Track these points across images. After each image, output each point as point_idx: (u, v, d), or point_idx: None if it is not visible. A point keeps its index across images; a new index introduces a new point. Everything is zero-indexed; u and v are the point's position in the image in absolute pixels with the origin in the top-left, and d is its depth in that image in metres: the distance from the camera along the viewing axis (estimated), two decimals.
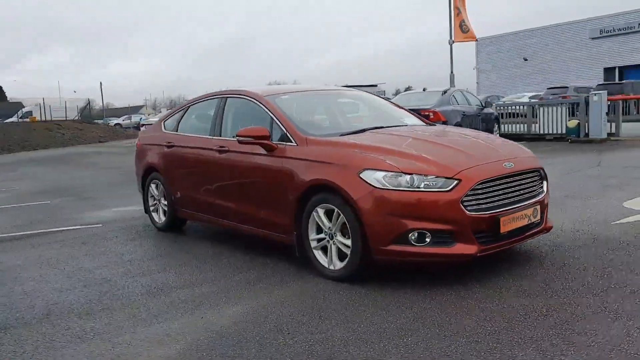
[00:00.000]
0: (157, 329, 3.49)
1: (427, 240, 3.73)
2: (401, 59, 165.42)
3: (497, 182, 3.92)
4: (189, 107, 6.20)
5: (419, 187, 3.75)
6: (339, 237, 4.11)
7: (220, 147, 5.23)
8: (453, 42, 17.57)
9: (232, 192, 5.14)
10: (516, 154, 4.34)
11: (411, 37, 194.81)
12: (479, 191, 3.80)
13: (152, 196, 6.47)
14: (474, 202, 3.77)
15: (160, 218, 6.38)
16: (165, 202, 6.21)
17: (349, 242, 4.02)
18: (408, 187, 3.76)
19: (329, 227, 4.17)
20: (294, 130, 4.60)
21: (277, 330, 3.33)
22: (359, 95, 6.00)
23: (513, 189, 4.03)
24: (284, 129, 4.65)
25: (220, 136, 5.37)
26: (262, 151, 4.74)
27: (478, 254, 3.77)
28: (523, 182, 4.13)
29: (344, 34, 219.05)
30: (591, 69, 46.20)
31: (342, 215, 4.02)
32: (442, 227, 3.71)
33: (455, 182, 3.73)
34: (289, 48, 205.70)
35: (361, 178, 3.89)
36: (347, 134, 4.62)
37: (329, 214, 4.18)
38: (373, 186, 3.83)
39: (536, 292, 3.66)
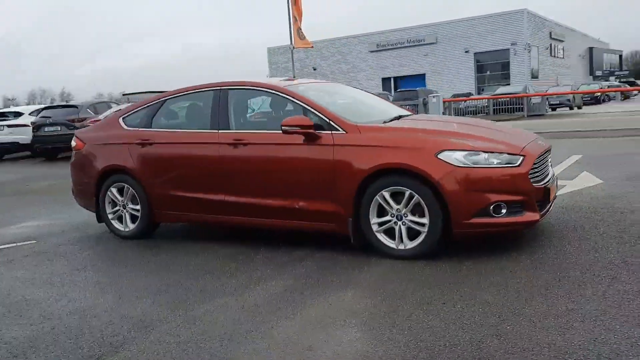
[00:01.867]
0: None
1: (503, 211, 4.18)
2: (211, 63, 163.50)
3: (542, 158, 4.55)
4: (164, 101, 5.72)
5: (493, 164, 4.19)
6: (411, 217, 4.33)
7: (235, 140, 5.01)
8: (294, 47, 18.31)
9: (255, 186, 4.96)
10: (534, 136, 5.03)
11: (223, 41, 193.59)
12: (535, 166, 4.38)
13: (112, 202, 5.82)
14: (532, 175, 4.33)
15: (127, 225, 5.76)
16: (136, 207, 5.64)
17: (423, 220, 4.27)
18: (485, 164, 4.17)
19: (397, 209, 4.37)
20: (339, 118, 4.68)
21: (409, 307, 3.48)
22: (343, 87, 6.18)
23: (547, 163, 4.71)
24: (325, 118, 4.69)
25: (229, 129, 5.13)
26: (296, 141, 4.71)
27: (539, 220, 4.34)
28: (549, 157, 4.84)
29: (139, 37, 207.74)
30: (372, 79, 51.31)
31: (416, 195, 4.26)
32: (515, 198, 4.19)
33: (522, 157, 4.25)
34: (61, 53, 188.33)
35: (439, 159, 4.18)
36: (390, 121, 4.85)
37: (394, 196, 4.37)
38: (454, 165, 4.15)
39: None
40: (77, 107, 17.12)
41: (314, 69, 54.47)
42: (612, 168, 7.86)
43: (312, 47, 21.10)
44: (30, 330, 3.50)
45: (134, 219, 5.74)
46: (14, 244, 5.93)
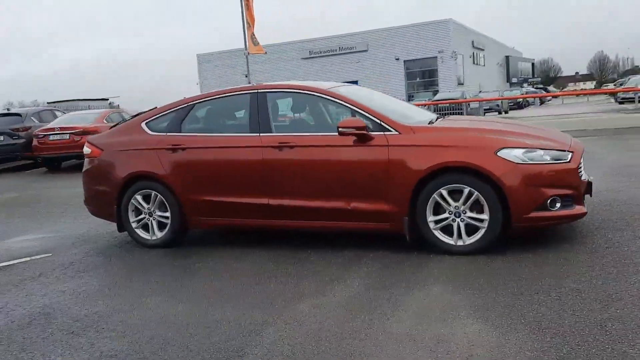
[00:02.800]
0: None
1: (558, 205, 4.44)
2: (143, 71, 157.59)
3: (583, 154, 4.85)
4: (193, 105, 5.60)
5: (548, 160, 4.44)
6: (470, 214, 4.50)
7: (281, 143, 5.00)
8: (248, 53, 18.20)
9: (303, 189, 4.96)
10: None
11: (149, 47, 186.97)
12: (581, 161, 4.67)
13: (136, 210, 5.62)
14: (579, 170, 4.63)
15: (154, 233, 5.59)
16: (165, 214, 5.49)
17: (482, 216, 4.46)
18: (541, 161, 4.42)
19: (455, 206, 4.53)
20: (391, 120, 4.79)
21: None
22: (371, 91, 6.25)
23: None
24: (376, 120, 4.79)
25: (271, 132, 5.12)
26: (346, 143, 4.78)
27: (587, 212, 4.63)
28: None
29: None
30: None
31: (476, 192, 4.43)
32: (567, 192, 4.46)
33: (571, 154, 4.53)
34: None
35: (499, 156, 4.39)
36: (433, 122, 5.04)
37: (452, 194, 4.53)
38: (513, 162, 4.37)
39: None
40: (20, 115, 16.19)
41: (246, 76, 54.13)
42: None
43: (265, 53, 21.06)
44: (126, 343, 3.36)
45: (161, 226, 5.58)
46: (29, 258, 5.60)
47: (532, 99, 45.38)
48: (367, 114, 4.84)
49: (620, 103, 32.16)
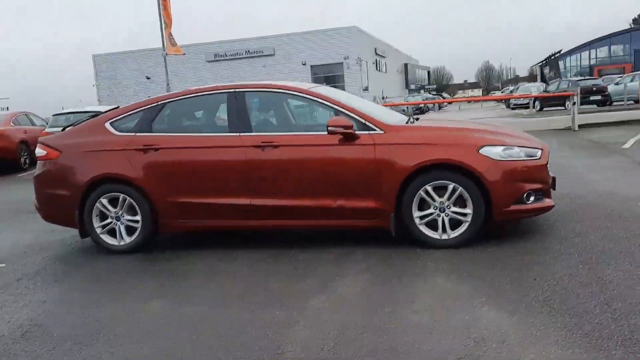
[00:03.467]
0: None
1: (532, 199, 4.78)
2: (34, 72, 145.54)
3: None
4: (164, 104, 5.40)
5: (523, 157, 4.77)
6: (454, 209, 4.73)
7: (264, 142, 4.97)
8: (166, 54, 17.66)
9: (287, 188, 4.96)
10: None
11: (43, 47, 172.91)
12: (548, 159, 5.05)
13: (101, 215, 5.35)
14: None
15: (122, 238, 5.33)
16: (135, 218, 5.27)
17: (466, 210, 4.70)
18: (518, 158, 4.73)
19: (440, 202, 4.74)
20: (374, 119, 4.92)
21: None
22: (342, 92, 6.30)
23: None
24: (360, 119, 4.90)
25: (252, 132, 5.07)
26: (331, 142, 4.85)
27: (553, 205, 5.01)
28: None
29: None
30: None
31: (460, 188, 4.67)
32: (540, 186, 4.82)
33: (540, 151, 4.89)
34: None
35: (481, 154, 4.65)
36: (412, 122, 5.23)
37: (437, 190, 4.74)
38: (494, 159, 4.65)
39: None
40: None
41: (148, 78, 52.41)
42: None
43: (184, 54, 20.53)
44: (149, 348, 3.22)
45: (130, 231, 5.33)
46: None
47: (432, 104, 47.69)
48: (351, 114, 4.93)
49: (513, 109, 34.67)
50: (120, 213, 5.31)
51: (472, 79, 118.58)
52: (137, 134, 5.31)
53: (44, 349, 3.31)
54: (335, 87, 43.72)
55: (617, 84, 25.52)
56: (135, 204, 5.24)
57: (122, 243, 5.35)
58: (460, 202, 4.72)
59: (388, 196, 4.77)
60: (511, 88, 49.04)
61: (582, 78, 31.62)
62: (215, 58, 51.09)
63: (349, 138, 4.83)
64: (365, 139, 4.83)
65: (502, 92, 59.73)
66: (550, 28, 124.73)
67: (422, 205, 4.79)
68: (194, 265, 4.82)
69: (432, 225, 4.79)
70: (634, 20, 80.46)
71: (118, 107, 5.77)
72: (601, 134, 12.18)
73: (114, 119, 5.46)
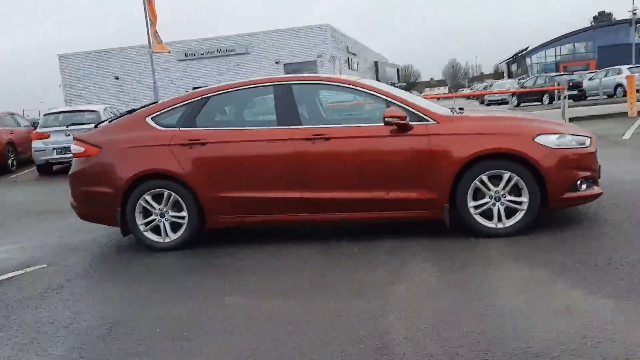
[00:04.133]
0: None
1: (584, 186, 4.86)
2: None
3: None
4: (207, 98, 5.30)
5: (575, 145, 4.84)
6: (509, 197, 4.77)
7: (315, 135, 4.94)
8: (153, 52, 17.33)
9: (340, 181, 4.93)
10: None
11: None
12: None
13: (144, 211, 5.23)
14: None
15: (167, 235, 5.23)
16: (181, 214, 5.17)
17: (521, 199, 4.75)
18: (571, 146, 4.81)
19: (495, 191, 4.78)
20: (427, 110, 4.94)
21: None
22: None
23: None
24: (413, 110, 4.90)
25: (302, 125, 5.02)
26: (384, 133, 4.85)
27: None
28: None
29: None
30: (182, 87, 50.24)
31: (516, 177, 4.72)
32: (590, 174, 4.90)
33: (590, 139, 4.98)
34: None
35: (537, 142, 4.71)
36: (462, 112, 5.27)
37: (492, 179, 4.78)
38: (550, 148, 4.71)
39: None
40: None
41: (117, 78, 51.42)
42: None
43: (169, 52, 20.19)
44: (255, 341, 3.16)
45: (175, 228, 5.23)
46: (23, 271, 4.98)
47: None
48: (403, 105, 4.93)
49: (488, 105, 35.26)
50: (164, 209, 5.20)
51: (438, 77, 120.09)
52: (182, 128, 5.21)
53: (139, 345, 3.21)
54: None
55: (590, 79, 26.19)
56: (181, 199, 5.14)
57: (166, 240, 5.24)
58: (515, 190, 4.76)
59: (442, 186, 4.79)
60: (484, 84, 49.80)
61: (558, 74, 32.39)
62: (186, 57, 50.38)
63: (403, 129, 4.83)
64: (419, 129, 4.84)
65: (470, 89, 60.63)
66: (514, 26, 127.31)
67: (476, 195, 4.82)
68: (247, 261, 4.75)
69: (487, 214, 4.83)
70: (595, 18, 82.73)
71: (156, 102, 5.64)
72: (594, 126, 12.46)
73: (155, 113, 5.34)
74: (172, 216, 5.21)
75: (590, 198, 4.97)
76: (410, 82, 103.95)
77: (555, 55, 60.19)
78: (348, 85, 5.20)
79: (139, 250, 5.33)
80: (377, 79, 70.97)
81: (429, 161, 4.79)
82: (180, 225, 5.21)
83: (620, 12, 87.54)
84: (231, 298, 3.89)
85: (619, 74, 24.56)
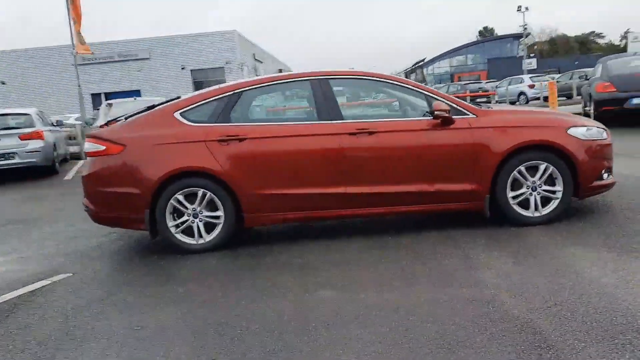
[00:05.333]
0: None
1: (605, 175, 5.23)
2: None
3: None
4: (241, 93, 5.08)
5: (599, 137, 5.19)
6: (545, 187, 5.02)
7: (358, 129, 4.92)
8: (76, 53, 16.24)
9: (385, 175, 4.93)
10: None
11: None
12: None
13: (176, 212, 4.93)
14: None
15: (201, 237, 4.96)
16: (216, 214, 4.93)
17: (556, 188, 5.02)
18: (597, 137, 5.15)
19: (532, 181, 5.01)
20: (465, 104, 5.09)
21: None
22: None
23: None
24: (453, 104, 5.03)
25: (343, 120, 4.98)
26: (426, 127, 4.95)
27: None
28: None
29: None
30: (77, 93, 47.54)
31: (552, 167, 4.98)
32: (610, 164, 5.29)
33: (606, 131, 5.37)
34: None
35: (569, 134, 5.00)
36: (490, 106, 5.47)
37: (528, 170, 5.00)
38: (581, 139, 5.02)
39: None
40: None
41: (3, 83, 47.66)
42: None
43: (92, 53, 19.00)
44: (373, 334, 3.09)
45: (209, 228, 4.97)
46: (49, 280, 4.50)
47: None
48: (444, 100, 5.04)
49: None
50: (198, 209, 4.92)
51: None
52: (216, 124, 4.96)
53: (267, 343, 3.03)
54: None
55: (497, 87, 28.07)
56: (216, 198, 4.90)
57: (200, 242, 4.96)
58: (549, 180, 5.02)
59: (484, 178, 4.94)
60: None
61: (470, 82, 34.31)
62: (83, 61, 47.64)
63: (447, 122, 4.93)
64: (461, 123, 4.97)
65: (374, 98, 62.49)
66: (409, 37, 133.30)
67: (513, 185, 5.02)
68: (303, 258, 4.59)
69: (523, 204, 5.04)
70: (480, 32, 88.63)
71: (179, 97, 5.33)
72: None
73: (184, 109, 5.05)
74: (206, 216, 4.94)
75: (610, 186, 5.35)
76: None
77: (450, 66, 63.84)
78: (387, 81, 5.22)
79: (157, 252, 5.05)
80: None
81: (472, 153, 4.93)
82: (215, 225, 4.96)
83: (502, 28, 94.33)
84: (325, 292, 3.77)
85: (521, 82, 26.50)
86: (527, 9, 45.70)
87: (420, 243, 4.75)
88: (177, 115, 5.02)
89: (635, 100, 11.32)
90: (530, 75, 28.40)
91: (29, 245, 5.84)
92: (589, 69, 26.74)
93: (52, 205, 8.48)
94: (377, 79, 5.26)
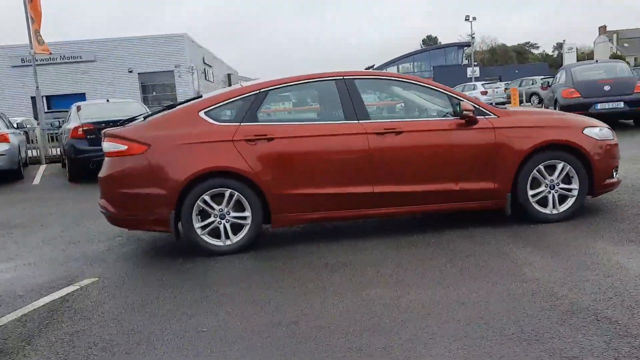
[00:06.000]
0: None
1: (615, 174, 5.46)
2: None
3: None
4: (267, 92, 5.01)
5: (609, 137, 5.42)
6: (563, 185, 5.20)
7: (386, 129, 4.95)
8: (34, 53, 15.50)
9: (411, 174, 4.98)
10: None
11: None
12: None
13: (201, 213, 4.82)
14: None
15: (227, 238, 4.86)
16: (243, 214, 4.85)
17: (572, 186, 5.20)
18: (607, 137, 5.38)
19: (550, 180, 5.18)
20: (487, 105, 5.22)
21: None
22: None
23: None
24: (476, 105, 5.14)
25: (370, 120, 5.01)
26: (451, 127, 5.04)
27: None
28: None
29: None
30: (17, 97, 45.69)
31: (569, 166, 5.16)
32: (618, 163, 5.53)
33: (612, 132, 5.61)
34: None
35: (585, 134, 5.21)
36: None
37: (547, 168, 5.17)
38: (595, 139, 5.24)
39: None
40: None
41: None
42: None
43: (51, 53, 18.20)
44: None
45: (236, 229, 4.88)
46: (78, 286, 4.30)
47: None
48: (466, 100, 5.14)
49: None
50: (225, 210, 4.82)
51: None
52: (243, 123, 4.88)
53: (345, 342, 3.00)
54: (165, 96, 42.16)
55: None
56: (244, 199, 4.81)
57: (227, 243, 4.86)
58: (566, 179, 5.20)
59: (506, 177, 5.07)
60: None
61: None
62: (22, 63, 45.72)
63: (471, 123, 5.03)
64: (484, 123, 5.08)
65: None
66: (356, 45, 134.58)
67: (532, 184, 5.17)
68: (329, 259, 4.58)
69: (542, 202, 5.20)
70: (424, 41, 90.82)
71: (201, 96, 5.21)
72: None
73: (209, 108, 4.94)
74: (233, 217, 4.85)
75: (618, 184, 5.59)
76: None
77: (398, 72, 65.17)
78: (410, 82, 5.28)
79: (177, 255, 4.94)
80: None
81: (494, 153, 5.05)
82: (242, 226, 4.87)
83: (445, 37, 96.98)
84: (379, 290, 3.76)
85: (474, 89, 27.33)
86: (474, 18, 47.06)
87: (446, 241, 4.82)
88: (202, 114, 4.90)
89: (600, 106, 11.90)
90: (482, 82, 29.34)
91: (31, 251, 5.55)
92: (537, 77, 27.98)
93: (34, 210, 8.08)
94: (402, 80, 5.32)
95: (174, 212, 4.75)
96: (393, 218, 5.61)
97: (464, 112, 4.94)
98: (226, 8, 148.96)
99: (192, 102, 5.09)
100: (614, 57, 55.17)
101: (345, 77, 5.11)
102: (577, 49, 54.84)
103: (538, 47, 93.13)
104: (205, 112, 4.91)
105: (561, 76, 13.41)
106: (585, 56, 69.02)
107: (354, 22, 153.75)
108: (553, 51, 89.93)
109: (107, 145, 4.88)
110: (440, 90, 5.25)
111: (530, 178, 5.11)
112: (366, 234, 5.27)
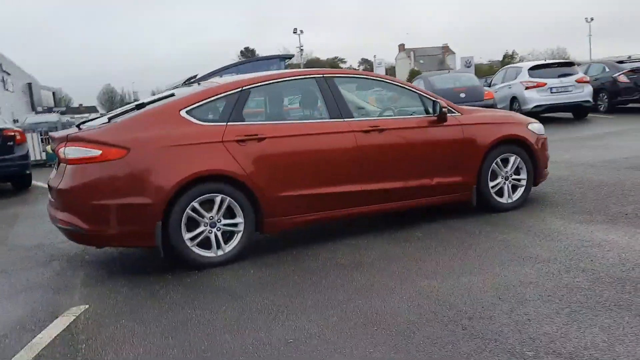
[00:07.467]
0: None
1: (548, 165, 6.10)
2: None
3: None
4: (249, 90, 4.67)
5: (543, 132, 6.01)
6: (514, 176, 5.67)
7: (370, 127, 4.96)
8: None
9: (396, 171, 5.04)
10: None
11: None
12: None
13: (190, 222, 4.36)
14: None
15: (219, 248, 4.45)
16: (234, 221, 4.50)
17: (521, 176, 5.70)
18: (542, 133, 5.97)
19: (506, 172, 5.62)
20: (451, 103, 5.49)
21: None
22: None
23: None
24: (443, 103, 5.39)
25: (354, 118, 4.97)
26: (424, 124, 5.25)
27: None
28: None
29: None
30: None
31: (520, 159, 5.65)
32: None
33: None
34: None
35: (529, 129, 5.75)
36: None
37: (503, 161, 5.60)
38: (536, 134, 5.80)
39: None
40: None
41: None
42: None
43: None
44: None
45: (227, 237, 4.50)
46: (73, 316, 3.59)
47: None
48: (434, 99, 5.35)
49: None
50: (216, 217, 4.41)
51: (91, 102, 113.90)
52: (230, 123, 4.51)
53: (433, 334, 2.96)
54: None
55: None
56: (236, 204, 4.45)
57: (219, 253, 4.44)
58: (516, 170, 5.67)
59: (472, 170, 5.40)
60: None
61: None
62: None
63: (441, 120, 5.26)
64: (452, 120, 5.35)
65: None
66: (169, 55, 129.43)
67: (491, 176, 5.55)
68: (341, 258, 4.47)
69: (498, 192, 5.60)
70: (241, 52, 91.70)
71: (172, 94, 4.67)
72: None
73: (190, 107, 4.47)
74: (224, 225, 4.45)
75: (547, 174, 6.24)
76: (69, 106, 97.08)
77: None
78: (385, 80, 5.36)
79: (168, 268, 4.38)
80: (32, 102, 63.76)
81: (463, 148, 5.34)
82: (232, 234, 4.49)
83: (261, 49, 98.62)
84: (425, 281, 3.74)
85: None
86: (302, 31, 49.04)
87: (431, 235, 4.95)
88: (183, 113, 4.42)
89: None
90: None
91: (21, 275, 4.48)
92: None
93: None
94: (377, 79, 5.36)
95: (161, 223, 4.20)
96: (380, 214, 5.57)
97: (443, 109, 5.15)
98: (28, 12, 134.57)
99: (165, 101, 4.56)
100: (413, 72, 61.40)
101: (324, 76, 5.00)
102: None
103: (345, 61, 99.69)
104: (187, 112, 4.43)
105: (420, 84, 14.56)
106: (387, 71, 75.52)
107: (165, 31, 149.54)
108: (359, 65, 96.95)
109: (72, 151, 4.15)
110: (413, 90, 5.40)
111: (490, 171, 5.49)
112: (358, 232, 5.16)
